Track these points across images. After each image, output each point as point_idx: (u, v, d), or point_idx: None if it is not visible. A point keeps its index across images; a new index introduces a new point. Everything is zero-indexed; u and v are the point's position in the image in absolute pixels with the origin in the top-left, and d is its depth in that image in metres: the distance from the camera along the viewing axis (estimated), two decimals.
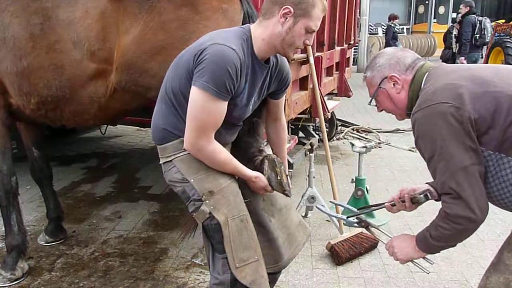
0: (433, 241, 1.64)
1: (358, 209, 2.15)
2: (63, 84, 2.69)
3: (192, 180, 1.91)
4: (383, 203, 1.98)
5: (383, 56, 1.82)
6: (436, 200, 1.80)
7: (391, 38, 11.93)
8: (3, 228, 3.08)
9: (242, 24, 2.51)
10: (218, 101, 1.79)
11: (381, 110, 1.90)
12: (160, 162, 2.01)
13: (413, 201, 1.85)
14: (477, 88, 1.56)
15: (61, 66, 2.65)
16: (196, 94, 1.78)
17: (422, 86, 1.71)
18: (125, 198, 4.39)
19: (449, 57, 10.24)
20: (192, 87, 1.79)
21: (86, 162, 5.54)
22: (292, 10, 1.81)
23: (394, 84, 1.78)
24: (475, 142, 1.53)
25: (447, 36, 10.57)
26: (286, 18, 1.82)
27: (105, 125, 5.52)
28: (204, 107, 1.79)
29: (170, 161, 1.95)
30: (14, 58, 2.67)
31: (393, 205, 1.92)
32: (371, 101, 1.87)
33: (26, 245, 3.08)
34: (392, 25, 12.10)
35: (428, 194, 1.80)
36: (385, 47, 11.20)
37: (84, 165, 5.41)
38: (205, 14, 2.52)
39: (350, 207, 2.22)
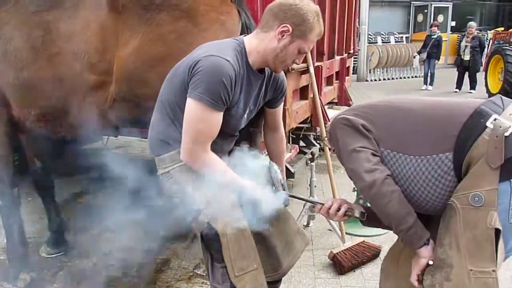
0: (396, 230, 1.75)
1: (289, 195, 2.03)
2: (63, 95, 2.71)
3: (189, 191, 1.92)
4: (317, 202, 2.05)
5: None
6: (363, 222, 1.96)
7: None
8: (5, 240, 3.08)
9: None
10: (214, 112, 1.80)
11: None
12: (158, 173, 2.02)
13: (347, 214, 1.93)
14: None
15: (61, 78, 2.67)
16: (191, 105, 1.80)
17: None
18: (126, 209, 4.37)
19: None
20: (188, 98, 1.81)
21: (87, 173, 5.54)
22: (290, 29, 1.83)
23: None
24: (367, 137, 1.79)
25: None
26: (283, 36, 1.85)
27: (106, 136, 5.52)
28: (199, 118, 1.80)
29: (168, 172, 1.96)
30: (15, 71, 2.69)
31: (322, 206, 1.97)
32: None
33: (28, 257, 3.08)
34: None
35: (364, 213, 1.91)
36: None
37: (85, 176, 5.40)
38: (203, 26, 2.53)
39: (305, 198, 2.21)
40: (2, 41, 2.69)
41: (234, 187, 1.97)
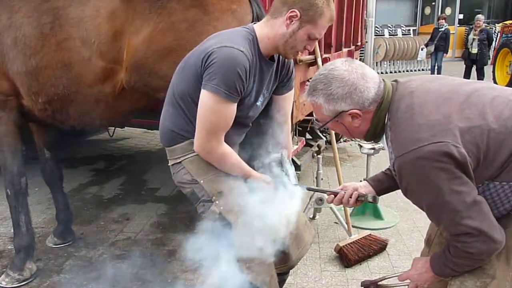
0: (454, 272, 1.61)
1: (306, 188, 2.06)
2: (70, 82, 2.70)
3: (201, 181, 1.91)
4: (329, 190, 1.98)
5: (338, 84, 1.56)
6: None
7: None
8: (12, 230, 3.09)
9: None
10: (229, 103, 1.80)
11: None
12: (169, 164, 2.01)
13: (359, 199, 1.87)
14: (464, 122, 1.46)
15: (69, 64, 2.66)
16: (206, 97, 1.79)
17: (388, 115, 1.59)
18: (133, 200, 4.39)
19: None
20: (202, 90, 1.80)
21: (94, 164, 5.55)
22: (298, 14, 1.81)
23: (353, 118, 1.61)
24: (471, 177, 1.46)
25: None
26: (292, 21, 1.83)
27: (113, 127, 5.53)
28: (214, 110, 1.79)
29: (179, 162, 1.95)
30: (24, 58, 2.69)
31: (335, 196, 1.92)
32: (320, 125, 1.71)
33: (34, 246, 3.09)
34: None
35: (376, 197, 1.88)
36: None
37: (91, 167, 5.42)
38: (214, 15, 2.52)
39: (323, 188, 2.24)
40: (12, 29, 2.69)
41: (247, 179, 1.96)
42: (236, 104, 1.83)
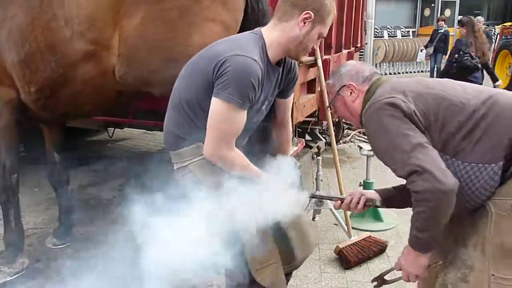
0: (420, 233, 1.63)
1: (309, 197, 2.10)
2: (57, 64, 2.70)
3: (209, 184, 1.91)
4: (335, 197, 2.09)
5: (346, 67, 1.93)
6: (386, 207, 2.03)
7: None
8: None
9: (245, 17, 2.53)
10: (240, 111, 1.82)
11: (338, 117, 1.98)
12: (174, 168, 2.01)
13: (367, 204, 1.96)
14: (421, 88, 1.70)
15: (52, 44, 2.66)
16: (219, 106, 1.79)
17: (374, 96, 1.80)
18: (133, 201, 4.37)
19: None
20: (214, 98, 1.80)
21: (93, 165, 5.54)
22: (312, 16, 1.84)
23: (351, 93, 1.87)
24: (424, 132, 1.62)
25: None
26: (305, 23, 1.86)
27: (112, 128, 5.53)
28: (226, 118, 1.80)
29: (186, 166, 1.95)
30: (17, 47, 2.70)
31: (342, 201, 2.00)
32: (329, 106, 1.99)
33: (23, 242, 3.09)
34: None
35: (384, 202, 1.96)
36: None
37: (91, 168, 5.41)
38: (205, 3, 2.50)
39: (328, 196, 2.31)
40: (7, 21, 2.70)
41: (258, 184, 1.96)
42: (246, 111, 1.85)
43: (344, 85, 1.87)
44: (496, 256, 1.59)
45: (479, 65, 5.87)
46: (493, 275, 1.58)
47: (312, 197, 2.03)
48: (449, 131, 1.63)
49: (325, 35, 1.95)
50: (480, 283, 1.60)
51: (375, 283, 2.03)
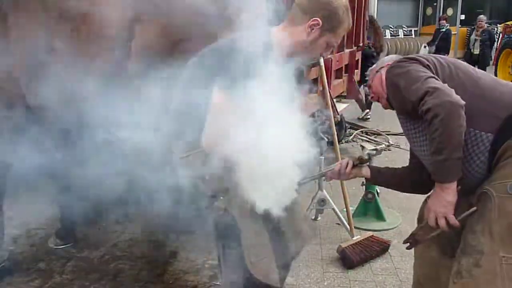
0: (438, 156, 1.67)
1: (298, 183, 1.98)
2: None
3: (206, 177, 1.91)
4: (324, 171, 2.23)
5: (389, 56, 2.13)
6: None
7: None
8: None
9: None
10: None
11: (372, 97, 2.12)
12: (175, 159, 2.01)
13: (355, 164, 2.12)
14: (441, 60, 1.89)
15: None
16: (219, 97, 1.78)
17: None
18: (134, 201, 4.38)
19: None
20: (216, 89, 1.78)
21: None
22: (320, 23, 1.83)
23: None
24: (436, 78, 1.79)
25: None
26: (313, 29, 1.85)
27: None
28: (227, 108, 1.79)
29: (186, 157, 1.95)
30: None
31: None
32: (369, 85, 2.12)
33: (2, 237, 3.08)
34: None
35: (369, 158, 2.23)
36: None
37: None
38: None
39: (314, 174, 2.24)
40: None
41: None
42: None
43: (383, 66, 2.02)
44: (504, 238, 1.64)
45: None
46: (503, 256, 1.63)
47: (302, 183, 1.97)
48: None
49: (335, 44, 1.92)
50: (492, 266, 1.64)
51: (407, 244, 2.00)
